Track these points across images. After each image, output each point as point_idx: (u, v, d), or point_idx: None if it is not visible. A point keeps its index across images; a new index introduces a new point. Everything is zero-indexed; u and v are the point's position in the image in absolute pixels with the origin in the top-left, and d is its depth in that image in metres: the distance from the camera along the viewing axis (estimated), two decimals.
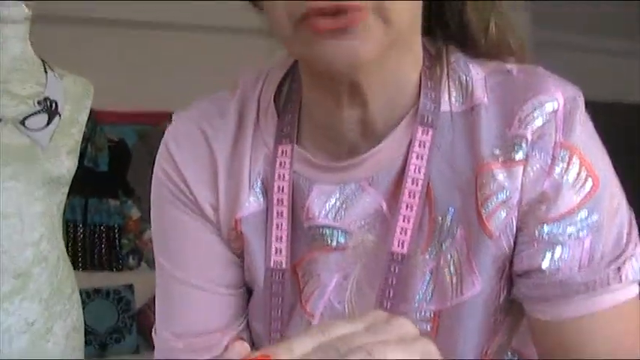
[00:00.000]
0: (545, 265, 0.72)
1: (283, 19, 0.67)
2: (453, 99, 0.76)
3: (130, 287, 4.08)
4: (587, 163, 0.73)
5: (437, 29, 0.78)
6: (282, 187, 0.79)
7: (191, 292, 0.82)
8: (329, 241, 0.78)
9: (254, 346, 0.84)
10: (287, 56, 0.82)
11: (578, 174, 0.73)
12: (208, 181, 0.80)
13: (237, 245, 0.81)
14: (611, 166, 0.76)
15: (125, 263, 4.56)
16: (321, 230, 0.78)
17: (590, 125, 0.75)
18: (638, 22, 5.01)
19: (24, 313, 1.70)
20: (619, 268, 0.72)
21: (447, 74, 0.77)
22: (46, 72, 1.87)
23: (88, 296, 3.64)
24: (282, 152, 0.79)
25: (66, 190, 1.84)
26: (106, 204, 4.49)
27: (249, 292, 0.84)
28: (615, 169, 0.78)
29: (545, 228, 0.73)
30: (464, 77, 0.76)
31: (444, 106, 0.76)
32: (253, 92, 0.82)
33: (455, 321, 0.76)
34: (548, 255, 0.73)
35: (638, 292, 0.73)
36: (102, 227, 4.46)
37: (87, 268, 3.96)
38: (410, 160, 0.75)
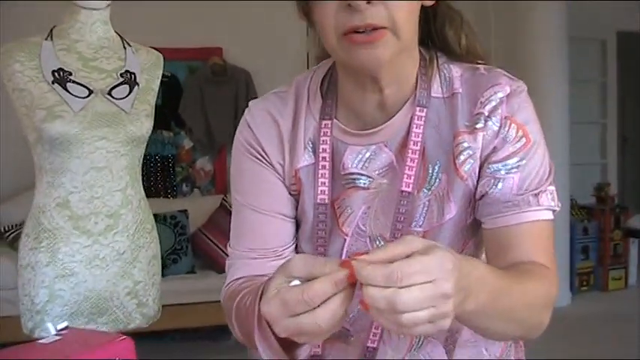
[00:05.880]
0: (491, 190, 1.00)
1: (330, 33, 0.93)
2: (439, 89, 1.04)
3: (185, 212, 4.21)
4: (522, 128, 1.00)
5: (427, 40, 1.07)
6: (325, 149, 1.05)
7: (261, 218, 1.07)
8: (358, 184, 1.05)
9: None
10: (326, 62, 1.10)
11: (516, 134, 1.00)
12: (277, 145, 1.06)
13: (295, 188, 1.07)
14: (542, 134, 1.02)
15: (179, 190, 4.80)
16: (352, 176, 1.04)
17: (529, 106, 1.02)
18: None
19: (116, 245, 1.95)
20: (537, 195, 0.99)
21: (437, 72, 1.05)
22: (124, 48, 2.04)
23: None
24: (325, 125, 1.05)
25: (144, 146, 2.04)
26: (160, 135, 4.64)
27: (297, 226, 1.10)
28: None
29: (492, 167, 1.00)
30: (447, 74, 1.05)
31: (434, 93, 1.03)
32: (304, 85, 1.09)
33: (437, 237, 1.02)
34: (494, 183, 1.00)
35: (550, 217, 1.00)
36: (157, 157, 4.66)
37: (145, 195, 4.18)
38: (411, 130, 1.02)
